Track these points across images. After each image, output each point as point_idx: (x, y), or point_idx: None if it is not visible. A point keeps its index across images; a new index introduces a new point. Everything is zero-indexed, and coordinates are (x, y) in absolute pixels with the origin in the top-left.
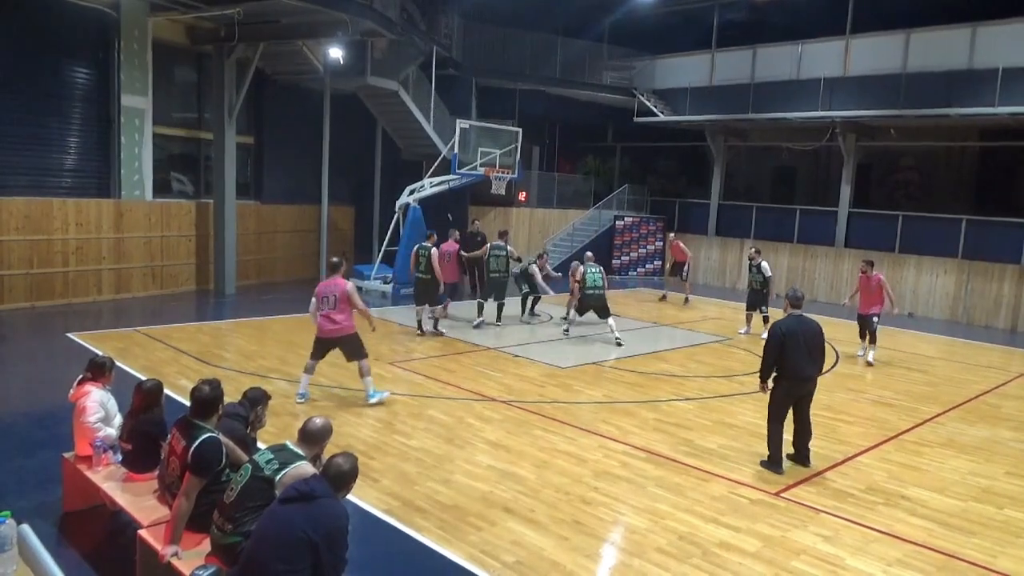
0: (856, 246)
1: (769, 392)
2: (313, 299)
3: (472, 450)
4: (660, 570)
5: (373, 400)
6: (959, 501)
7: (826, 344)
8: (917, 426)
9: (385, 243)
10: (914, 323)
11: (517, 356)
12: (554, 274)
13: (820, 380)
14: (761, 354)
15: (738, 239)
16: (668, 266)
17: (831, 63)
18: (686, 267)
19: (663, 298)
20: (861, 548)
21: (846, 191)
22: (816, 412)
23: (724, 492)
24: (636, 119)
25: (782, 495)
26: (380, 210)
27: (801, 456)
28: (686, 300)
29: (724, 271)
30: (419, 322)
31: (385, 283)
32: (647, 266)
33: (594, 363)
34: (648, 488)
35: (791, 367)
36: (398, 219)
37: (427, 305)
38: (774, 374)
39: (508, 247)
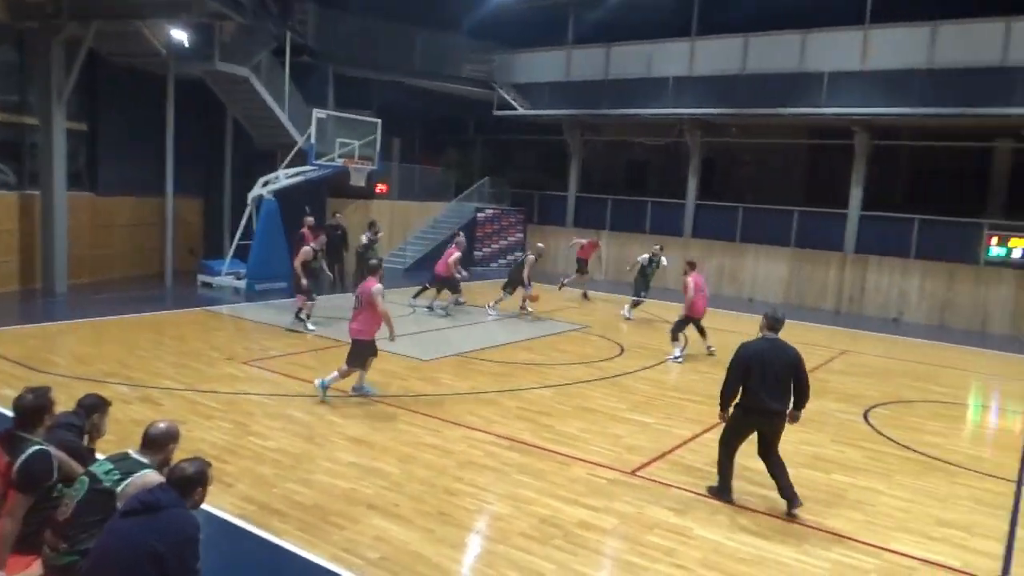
0: (702, 236)
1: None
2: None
3: (333, 448)
4: (524, 554)
5: (319, 384)
6: (792, 469)
7: (804, 376)
8: None
9: (237, 237)
10: (753, 307)
11: (380, 350)
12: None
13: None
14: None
15: (594, 230)
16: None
17: (679, 63)
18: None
19: (585, 296)
20: (708, 518)
21: (693, 184)
22: (665, 393)
23: (584, 474)
24: (496, 112)
25: (637, 474)
26: (231, 202)
27: (787, 496)
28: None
29: None
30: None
31: (238, 279)
32: (508, 257)
33: (458, 355)
34: (512, 475)
35: (751, 396)
36: (251, 212)
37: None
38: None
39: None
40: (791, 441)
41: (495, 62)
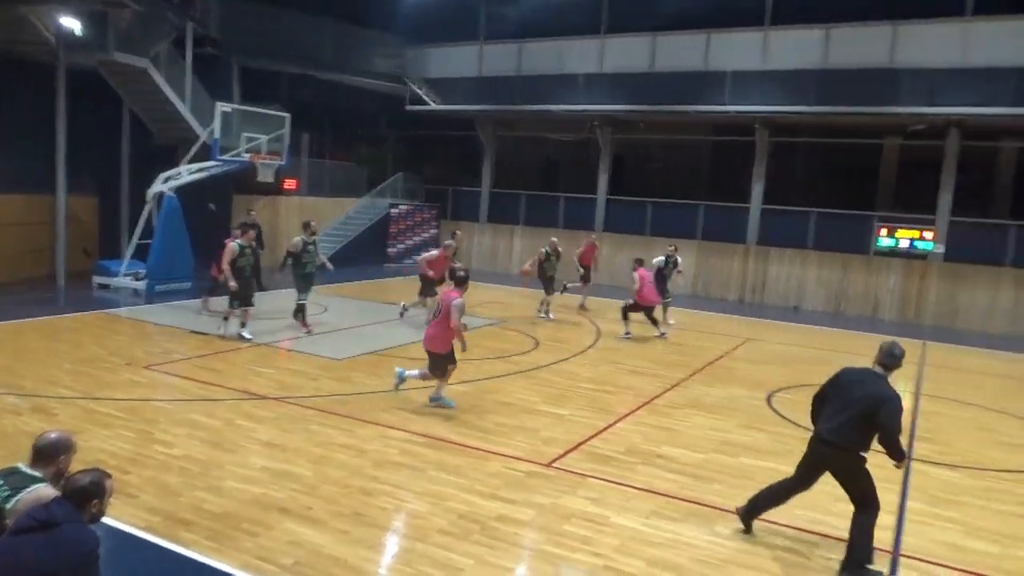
0: (613, 230)
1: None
2: None
3: (243, 453)
4: (443, 551)
5: (398, 372)
6: (703, 454)
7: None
8: (667, 391)
9: (136, 236)
10: None
11: (290, 350)
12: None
13: (588, 354)
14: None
15: (508, 225)
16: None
17: (590, 61)
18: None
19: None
20: (623, 505)
21: (604, 180)
22: (580, 385)
23: (501, 468)
24: (408, 107)
25: (553, 465)
26: (129, 200)
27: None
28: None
29: (495, 256)
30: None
31: (137, 280)
32: (423, 253)
33: (372, 353)
34: (429, 472)
35: (816, 422)
36: (151, 210)
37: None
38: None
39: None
40: (702, 427)
41: (407, 56)
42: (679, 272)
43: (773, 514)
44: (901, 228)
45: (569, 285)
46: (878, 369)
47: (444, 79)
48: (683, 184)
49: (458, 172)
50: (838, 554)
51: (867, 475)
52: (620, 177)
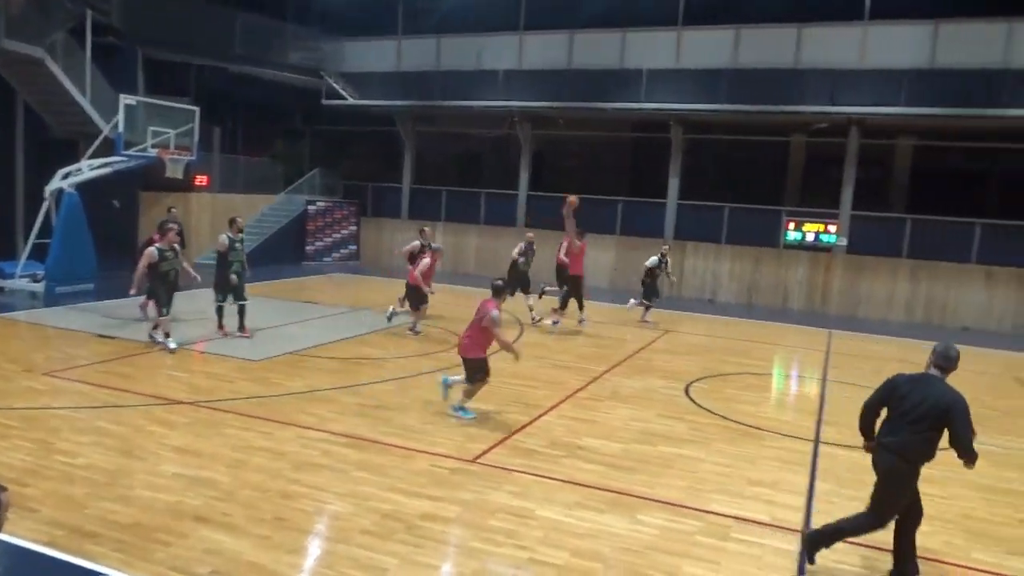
0: (534, 227)
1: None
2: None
3: (155, 460)
4: (366, 551)
5: (443, 380)
6: (624, 444)
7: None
8: (589, 383)
9: (33, 236)
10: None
11: (204, 352)
12: None
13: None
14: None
15: (429, 222)
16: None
17: (509, 57)
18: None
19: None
20: (547, 498)
21: (525, 176)
22: (504, 380)
23: (425, 466)
24: (325, 102)
25: (478, 461)
26: (24, 197)
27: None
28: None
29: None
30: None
31: (35, 281)
32: (342, 251)
33: (291, 353)
34: (351, 473)
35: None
36: (49, 208)
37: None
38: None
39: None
40: (623, 418)
41: (324, 50)
42: (668, 273)
43: (693, 500)
44: (807, 222)
45: (547, 288)
46: (935, 372)
47: (362, 73)
48: (603, 180)
49: (378, 168)
50: (753, 536)
51: (904, 491)
52: (541, 173)
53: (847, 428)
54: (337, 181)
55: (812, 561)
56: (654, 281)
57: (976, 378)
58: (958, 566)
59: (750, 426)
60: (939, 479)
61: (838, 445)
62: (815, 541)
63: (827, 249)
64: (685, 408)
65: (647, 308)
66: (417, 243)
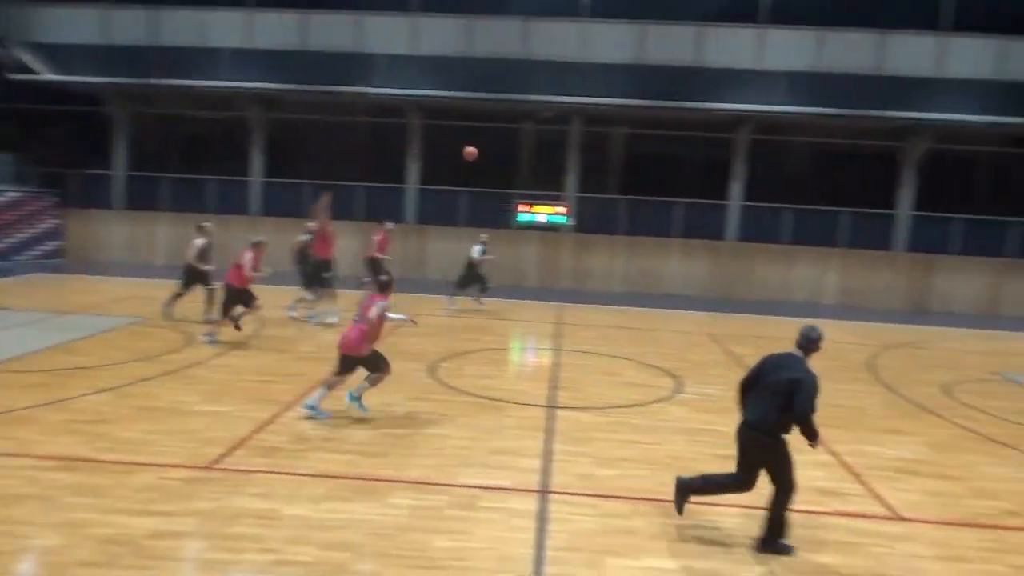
0: (273, 214)
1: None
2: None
3: None
4: None
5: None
6: (373, 430)
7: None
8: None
9: None
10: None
11: None
12: None
13: (251, 345)
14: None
15: (149, 212)
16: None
17: (235, 34)
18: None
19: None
20: (293, 495)
21: (258, 161)
22: (241, 378)
23: (153, 480)
24: (11, 76)
25: (215, 467)
26: None
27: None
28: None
29: (135, 247)
30: None
31: None
32: (41, 248)
33: None
34: (63, 499)
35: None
36: None
37: None
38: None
39: None
40: (371, 404)
41: (6, 15)
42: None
43: (441, 476)
44: (538, 204)
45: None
46: (797, 352)
47: (59, 45)
48: (342, 165)
49: (82, 153)
50: (499, 502)
51: (788, 457)
52: (277, 158)
53: (577, 392)
54: (30, 168)
55: (680, 511)
56: (474, 270)
57: (678, 337)
58: (672, 501)
59: (491, 399)
60: (649, 428)
61: (569, 408)
62: (685, 488)
63: (556, 229)
64: (432, 388)
65: (482, 293)
66: (203, 241)
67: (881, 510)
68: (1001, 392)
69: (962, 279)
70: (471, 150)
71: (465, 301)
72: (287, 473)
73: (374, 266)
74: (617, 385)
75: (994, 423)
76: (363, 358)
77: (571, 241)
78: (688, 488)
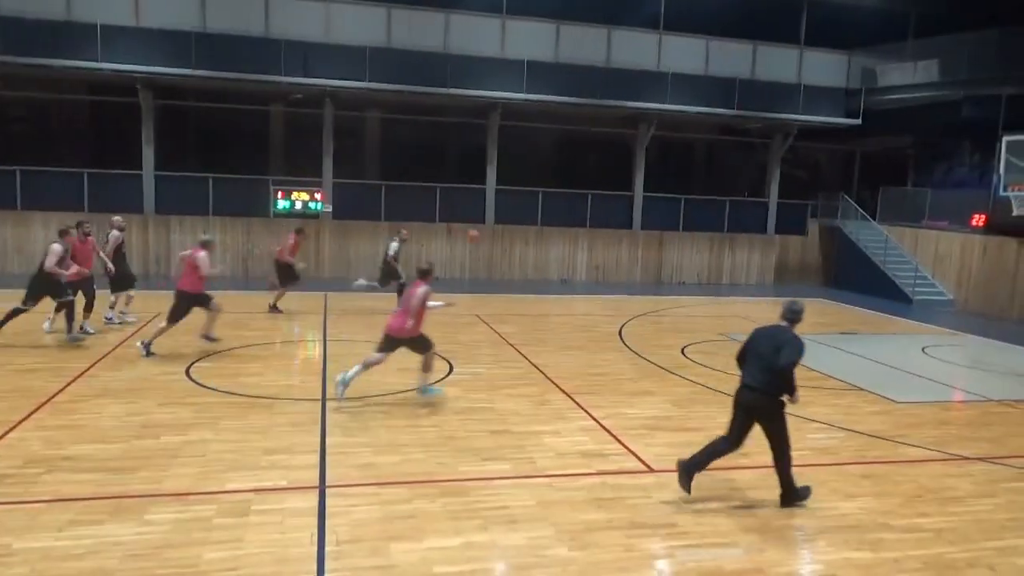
0: None
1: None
2: None
3: None
4: None
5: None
6: (122, 444)
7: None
8: (69, 384)
9: None
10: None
11: None
12: None
13: None
14: None
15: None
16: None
17: None
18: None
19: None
20: (29, 525)
21: None
22: None
23: None
24: None
25: None
26: None
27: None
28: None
29: None
30: None
31: None
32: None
33: None
34: None
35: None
36: None
37: None
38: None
39: None
40: (116, 416)
41: None
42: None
43: (207, 484)
44: (295, 191)
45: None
46: (783, 323)
47: None
48: (60, 149)
49: None
50: (273, 504)
51: (784, 418)
52: None
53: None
54: None
55: (688, 491)
56: (390, 267)
57: (447, 319)
58: (451, 480)
59: (259, 397)
60: (425, 411)
61: (344, 398)
62: (688, 468)
63: (316, 216)
64: (187, 391)
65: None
66: (116, 233)
67: (637, 465)
68: (726, 351)
69: (688, 252)
70: (474, 233)
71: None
72: (20, 502)
73: (281, 269)
74: (390, 371)
75: (722, 378)
76: (410, 340)
77: (332, 228)
78: (692, 467)
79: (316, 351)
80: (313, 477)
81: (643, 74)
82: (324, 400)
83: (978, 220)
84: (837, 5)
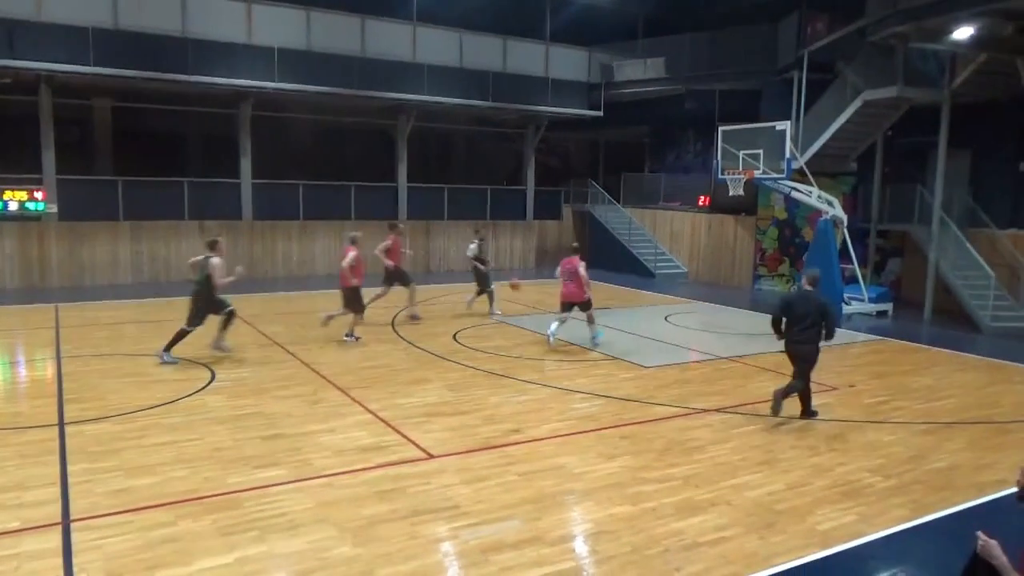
0: None
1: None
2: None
3: None
4: None
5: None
6: None
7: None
8: None
9: None
10: None
11: None
12: None
13: None
14: None
15: None
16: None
17: None
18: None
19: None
20: None
21: None
22: None
23: None
24: None
25: None
26: None
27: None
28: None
29: None
30: None
31: None
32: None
33: None
34: None
35: (788, 333)
36: None
37: None
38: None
39: None
40: None
41: None
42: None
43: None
44: (9, 190)
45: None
46: (810, 288)
47: None
48: None
49: None
50: (6, 549)
51: (814, 361)
52: None
53: (93, 401)
54: None
55: (777, 413)
56: (480, 269)
57: (208, 324)
58: (219, 495)
59: None
60: (185, 424)
61: (85, 421)
62: (778, 398)
63: (37, 218)
64: None
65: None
66: None
67: (417, 453)
68: (495, 334)
69: (454, 240)
70: (516, 282)
71: None
72: None
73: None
74: (142, 385)
75: (492, 359)
76: (583, 302)
77: (58, 231)
78: (779, 396)
79: (49, 371)
80: (53, 513)
81: (400, 65)
82: (62, 424)
83: (703, 201)
84: (577, 4)
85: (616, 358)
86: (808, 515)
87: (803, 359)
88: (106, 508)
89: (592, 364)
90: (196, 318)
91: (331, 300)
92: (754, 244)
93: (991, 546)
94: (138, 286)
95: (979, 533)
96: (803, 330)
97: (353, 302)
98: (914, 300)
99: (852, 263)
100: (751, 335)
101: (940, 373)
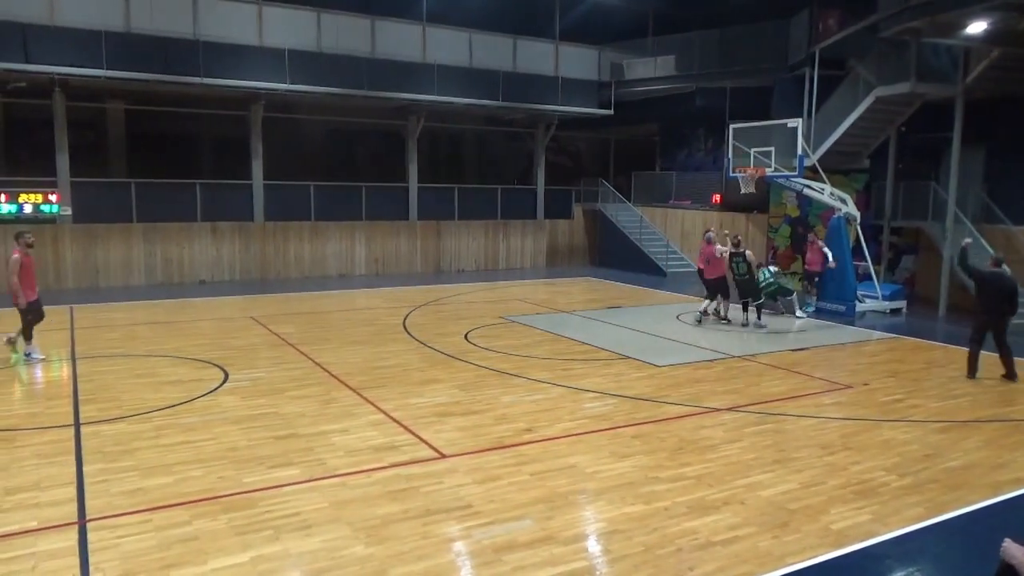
0: None
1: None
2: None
3: None
4: None
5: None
6: None
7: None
8: None
9: None
10: None
11: None
12: None
13: None
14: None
15: None
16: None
17: None
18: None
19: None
20: None
21: None
22: None
23: None
24: None
25: None
26: None
27: (1007, 370)
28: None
29: None
30: None
31: None
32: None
33: None
34: None
35: (984, 305)
36: None
37: None
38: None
39: None
40: None
41: None
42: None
43: None
44: (23, 192)
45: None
46: (998, 268)
47: None
48: None
49: None
50: (22, 548)
51: (1005, 325)
52: None
53: (108, 402)
54: None
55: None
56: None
57: (219, 324)
58: (235, 494)
59: None
60: (200, 424)
61: (101, 421)
62: (1012, 375)
63: (51, 220)
64: None
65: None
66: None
67: (429, 453)
68: (506, 333)
69: (465, 240)
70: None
71: None
72: None
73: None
74: (156, 386)
75: (504, 359)
76: (712, 281)
77: (73, 233)
78: (973, 358)
79: (64, 372)
80: (70, 513)
81: (410, 65)
82: (78, 424)
83: (715, 199)
84: (587, 3)
85: (628, 357)
86: (822, 514)
87: (996, 329)
88: (122, 508)
89: (604, 363)
90: None
91: (340, 300)
92: (766, 242)
93: (1013, 548)
94: (151, 287)
95: (1007, 540)
96: (997, 304)
97: (720, 288)
98: (928, 297)
99: (866, 260)
100: (763, 333)
101: (955, 371)
